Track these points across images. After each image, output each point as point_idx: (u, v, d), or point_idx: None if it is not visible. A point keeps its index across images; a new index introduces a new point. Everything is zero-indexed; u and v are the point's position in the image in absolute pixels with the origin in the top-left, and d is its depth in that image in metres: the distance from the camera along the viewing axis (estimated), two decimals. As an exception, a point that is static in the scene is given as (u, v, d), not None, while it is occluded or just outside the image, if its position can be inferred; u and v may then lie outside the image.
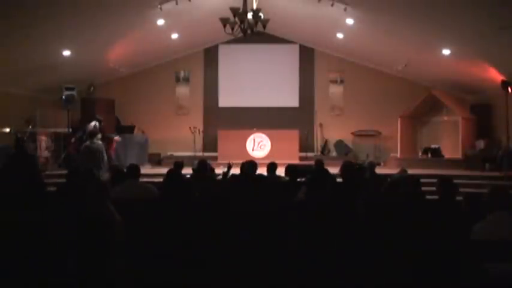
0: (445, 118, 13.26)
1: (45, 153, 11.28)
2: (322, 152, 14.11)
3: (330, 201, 5.01)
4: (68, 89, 11.40)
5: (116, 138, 11.51)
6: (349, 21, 10.91)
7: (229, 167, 7.37)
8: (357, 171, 6.41)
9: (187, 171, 7.63)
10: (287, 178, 6.71)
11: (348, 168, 5.83)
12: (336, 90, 14.88)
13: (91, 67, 12.67)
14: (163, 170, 6.72)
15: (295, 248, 3.51)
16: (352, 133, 14.32)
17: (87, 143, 9.04)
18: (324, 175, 6.59)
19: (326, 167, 7.70)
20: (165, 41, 12.84)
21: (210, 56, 15.02)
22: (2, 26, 8.68)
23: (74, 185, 4.97)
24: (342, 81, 14.84)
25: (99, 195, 3.91)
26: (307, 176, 6.33)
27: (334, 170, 9.04)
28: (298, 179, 6.40)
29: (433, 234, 3.70)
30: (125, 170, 5.86)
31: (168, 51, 14.12)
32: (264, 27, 8.61)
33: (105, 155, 9.13)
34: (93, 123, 10.43)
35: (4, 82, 10.91)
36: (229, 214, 4.28)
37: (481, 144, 12.03)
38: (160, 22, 11.05)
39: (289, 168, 6.72)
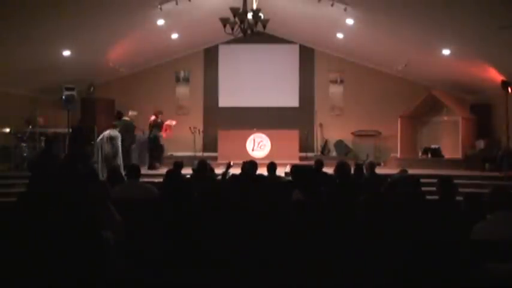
0: (445, 118, 13.25)
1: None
2: (322, 152, 14.10)
3: (327, 201, 5.02)
4: (68, 89, 11.39)
5: (168, 122, 12.46)
6: (349, 21, 10.91)
7: (228, 166, 7.38)
8: (350, 170, 6.40)
9: (187, 171, 7.65)
10: (289, 178, 6.70)
11: (341, 168, 5.82)
12: (336, 90, 14.88)
13: (91, 67, 12.67)
14: (163, 170, 6.73)
15: (295, 248, 3.51)
16: (352, 133, 14.31)
17: (108, 131, 10.09)
18: (318, 176, 6.59)
19: (326, 167, 7.70)
20: (165, 41, 12.84)
21: (210, 56, 15.02)
22: (2, 26, 8.68)
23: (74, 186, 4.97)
24: (342, 81, 14.84)
25: (100, 196, 3.92)
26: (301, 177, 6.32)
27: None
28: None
29: (433, 234, 3.70)
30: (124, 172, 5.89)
31: (168, 51, 14.11)
32: (264, 27, 8.61)
33: (119, 143, 10.16)
34: (152, 118, 12.00)
35: (4, 82, 10.91)
36: (229, 214, 4.28)
37: (481, 144, 12.03)
38: (160, 22, 11.05)
39: (295, 169, 6.71)
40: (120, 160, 10.02)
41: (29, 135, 10.87)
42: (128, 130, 11.04)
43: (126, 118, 11.33)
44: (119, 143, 10.12)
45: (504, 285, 2.82)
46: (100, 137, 10.24)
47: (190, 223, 3.91)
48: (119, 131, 10.35)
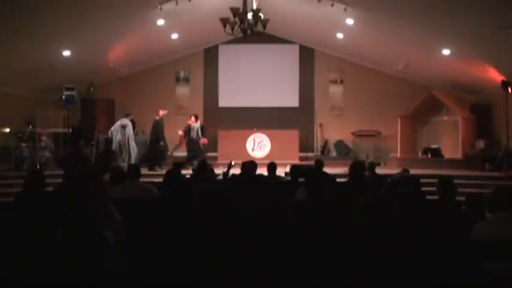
0: (445, 118, 13.25)
1: (45, 153, 11.26)
2: (322, 152, 14.10)
3: (330, 201, 5.01)
4: (68, 89, 11.40)
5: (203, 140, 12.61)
6: (349, 21, 10.91)
7: (230, 166, 7.38)
8: (364, 171, 6.37)
9: (187, 171, 7.66)
10: (288, 178, 6.71)
11: (357, 168, 5.76)
12: (336, 90, 14.88)
13: (91, 67, 12.67)
14: (163, 170, 6.75)
15: (295, 248, 3.51)
16: (352, 133, 14.31)
17: (120, 120, 11.16)
18: (320, 176, 6.58)
19: (326, 167, 7.70)
20: (165, 41, 12.84)
21: (210, 56, 15.02)
22: (2, 26, 8.68)
23: (74, 186, 4.97)
24: (342, 81, 14.84)
25: (100, 196, 3.92)
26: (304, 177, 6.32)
27: (334, 170, 9.08)
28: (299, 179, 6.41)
29: (433, 235, 3.69)
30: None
31: (168, 51, 14.11)
32: (264, 27, 8.61)
33: (131, 132, 11.13)
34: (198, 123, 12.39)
35: (4, 82, 10.91)
36: (229, 214, 4.28)
37: (481, 144, 12.02)
38: (160, 22, 11.05)
39: (293, 169, 6.72)
40: (132, 148, 10.94)
41: (29, 135, 10.86)
42: (157, 128, 11.67)
43: (156, 117, 11.86)
44: (130, 132, 11.04)
45: (504, 285, 2.82)
46: (113, 127, 11.03)
47: (190, 223, 3.91)
48: (151, 130, 11.54)
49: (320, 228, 3.85)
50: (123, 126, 11.07)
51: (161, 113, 11.98)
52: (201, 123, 12.56)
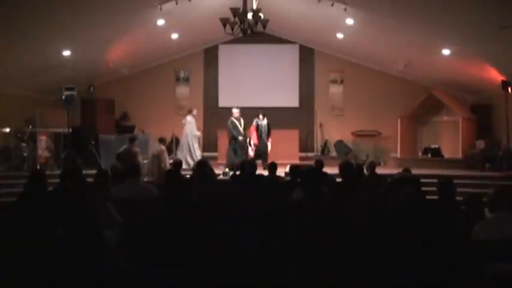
0: (445, 118, 13.25)
1: (45, 153, 11.27)
2: (322, 152, 14.09)
3: (328, 201, 5.01)
4: (68, 89, 11.38)
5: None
6: (349, 21, 10.90)
7: (238, 167, 7.39)
8: (356, 170, 6.40)
9: (187, 171, 7.66)
10: (288, 178, 6.71)
11: (346, 168, 5.81)
12: (336, 90, 14.87)
13: (91, 67, 12.66)
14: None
15: (294, 248, 3.51)
16: (352, 133, 14.30)
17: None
18: (318, 176, 6.60)
19: (326, 167, 7.70)
20: (165, 41, 12.84)
21: (210, 56, 15.01)
22: (2, 26, 8.68)
23: (74, 186, 4.97)
24: (342, 81, 14.83)
25: (100, 195, 3.93)
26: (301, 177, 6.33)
27: (334, 170, 9.06)
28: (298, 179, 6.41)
29: (433, 235, 3.70)
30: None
31: (168, 51, 14.11)
32: (264, 27, 8.60)
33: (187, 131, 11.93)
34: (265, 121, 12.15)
35: (4, 82, 10.91)
36: (229, 214, 4.28)
37: (481, 144, 12.02)
38: (160, 22, 11.04)
39: (290, 170, 6.73)
40: (189, 147, 11.79)
41: (29, 135, 10.86)
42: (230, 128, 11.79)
43: (232, 118, 11.85)
44: (187, 129, 11.93)
45: (504, 285, 2.83)
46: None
47: (190, 223, 3.91)
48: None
49: (316, 228, 3.85)
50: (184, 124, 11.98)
51: (234, 110, 12.11)
52: (268, 121, 12.28)
